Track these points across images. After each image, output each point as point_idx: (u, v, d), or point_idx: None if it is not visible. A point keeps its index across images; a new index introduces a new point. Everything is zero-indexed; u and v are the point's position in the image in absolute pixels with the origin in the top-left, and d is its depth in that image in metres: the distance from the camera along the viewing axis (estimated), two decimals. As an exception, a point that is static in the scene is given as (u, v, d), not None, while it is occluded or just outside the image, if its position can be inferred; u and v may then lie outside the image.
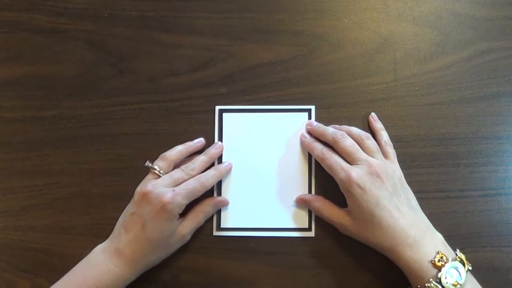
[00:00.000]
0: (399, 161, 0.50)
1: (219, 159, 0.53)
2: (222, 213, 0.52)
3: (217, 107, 0.53)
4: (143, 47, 0.55)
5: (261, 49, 0.55)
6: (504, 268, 0.50)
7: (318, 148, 0.49)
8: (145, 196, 0.46)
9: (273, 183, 0.52)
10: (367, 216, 0.44)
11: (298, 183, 0.52)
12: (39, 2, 0.56)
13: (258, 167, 0.52)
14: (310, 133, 0.52)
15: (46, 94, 0.55)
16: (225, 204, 0.52)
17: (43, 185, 0.53)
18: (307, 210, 0.51)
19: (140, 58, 0.55)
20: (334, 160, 0.47)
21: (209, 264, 0.51)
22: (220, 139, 0.53)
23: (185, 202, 0.47)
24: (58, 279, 0.46)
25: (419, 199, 0.48)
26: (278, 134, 0.53)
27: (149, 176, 0.49)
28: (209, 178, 0.49)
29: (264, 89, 0.54)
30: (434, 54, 0.54)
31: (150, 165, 0.50)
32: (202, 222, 0.50)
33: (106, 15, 0.56)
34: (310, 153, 0.51)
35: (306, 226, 0.51)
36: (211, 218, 0.52)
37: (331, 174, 0.47)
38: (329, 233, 0.51)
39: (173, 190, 0.46)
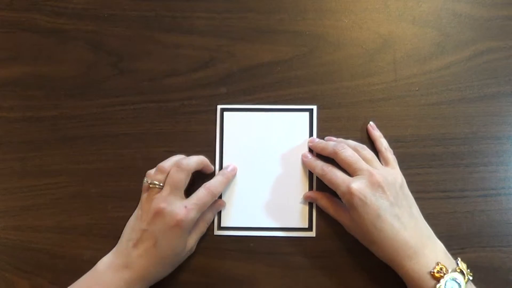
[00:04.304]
0: (399, 161, 0.50)
1: (220, 160, 0.52)
2: (223, 212, 0.52)
3: (219, 106, 0.53)
4: (143, 47, 0.55)
5: (261, 49, 0.55)
6: (504, 268, 0.50)
7: (319, 166, 0.49)
8: (158, 213, 0.45)
9: (274, 182, 0.52)
10: (368, 227, 0.44)
11: (299, 182, 0.52)
12: (39, 2, 0.56)
13: (259, 166, 0.52)
14: (311, 148, 0.52)
15: (46, 94, 0.55)
16: (222, 206, 0.52)
17: (43, 185, 0.53)
18: (308, 209, 0.51)
19: (140, 58, 0.55)
20: (334, 175, 0.47)
21: (209, 264, 0.51)
22: (221, 138, 0.53)
23: (198, 216, 0.47)
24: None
25: (419, 199, 0.48)
26: (280, 134, 0.53)
27: (151, 192, 0.47)
28: (217, 186, 0.49)
29: (264, 89, 0.54)
30: (434, 54, 0.54)
31: (149, 181, 0.48)
32: (205, 230, 0.51)
33: (106, 15, 0.56)
34: (312, 171, 0.51)
35: (307, 226, 0.51)
36: (211, 218, 0.52)
37: (333, 189, 0.47)
38: (330, 233, 0.51)
39: (185, 207, 0.46)
